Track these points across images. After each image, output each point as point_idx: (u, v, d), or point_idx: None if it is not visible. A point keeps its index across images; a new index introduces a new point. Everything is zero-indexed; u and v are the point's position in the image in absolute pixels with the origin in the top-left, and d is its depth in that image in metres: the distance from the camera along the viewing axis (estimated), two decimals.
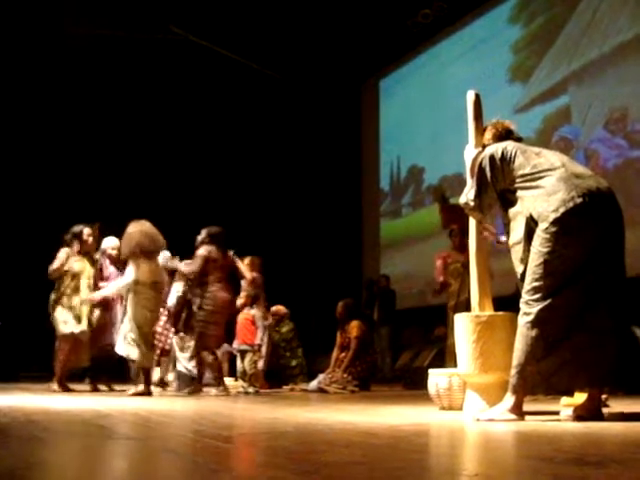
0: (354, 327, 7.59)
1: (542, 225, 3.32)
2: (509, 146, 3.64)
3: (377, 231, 12.95)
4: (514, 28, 10.53)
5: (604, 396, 4.12)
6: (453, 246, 7.05)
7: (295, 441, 2.62)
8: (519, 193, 3.51)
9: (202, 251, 6.67)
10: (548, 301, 3.24)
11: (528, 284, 3.34)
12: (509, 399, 3.31)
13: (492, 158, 3.61)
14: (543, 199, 3.36)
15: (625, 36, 8.74)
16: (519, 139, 3.89)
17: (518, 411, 3.28)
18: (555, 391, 3.53)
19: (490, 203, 3.73)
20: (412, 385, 7.51)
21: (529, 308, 3.29)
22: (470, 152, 3.96)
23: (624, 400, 4.53)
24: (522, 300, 3.36)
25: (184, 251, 7.09)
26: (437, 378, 4.17)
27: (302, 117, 12.84)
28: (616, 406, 3.90)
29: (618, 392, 4.47)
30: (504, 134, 3.88)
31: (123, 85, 11.56)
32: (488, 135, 3.94)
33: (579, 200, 3.27)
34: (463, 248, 6.11)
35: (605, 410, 3.48)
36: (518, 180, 3.52)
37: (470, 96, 4.14)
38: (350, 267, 12.46)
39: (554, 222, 3.27)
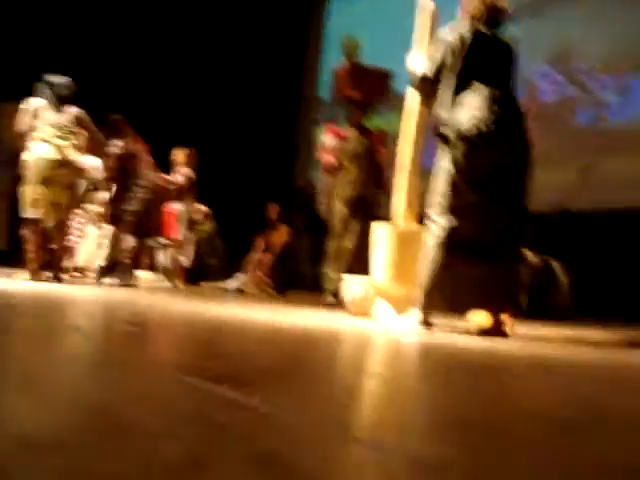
0: (283, 232, 7.62)
1: (451, 141, 3.30)
2: (466, 39, 3.39)
3: (311, 139, 12.85)
4: None
5: (510, 318, 4.28)
6: (351, 122, 5.56)
7: (203, 331, 2.64)
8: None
9: (115, 149, 6.40)
10: (452, 221, 3.27)
11: (434, 200, 3.35)
12: (415, 312, 3.36)
13: (452, 44, 3.39)
14: (459, 114, 3.31)
15: None
16: (496, 23, 3.52)
17: (426, 324, 3.36)
18: (455, 310, 3.55)
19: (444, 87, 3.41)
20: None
21: (434, 226, 3.32)
22: (416, 61, 3.60)
23: (529, 324, 4.72)
24: (428, 216, 3.37)
25: None
26: (352, 285, 4.23)
27: (247, 14, 12.39)
28: (521, 329, 4.06)
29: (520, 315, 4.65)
30: (480, 13, 3.49)
31: None
32: (472, 4, 3.52)
33: (492, 125, 3.23)
34: (364, 129, 5.49)
35: (510, 332, 3.60)
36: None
37: (424, 4, 3.94)
38: (281, 173, 12.37)
39: (462, 139, 3.25)
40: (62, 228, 5.71)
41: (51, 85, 5.55)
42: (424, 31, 3.90)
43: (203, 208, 8.50)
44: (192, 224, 8.02)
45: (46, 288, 4.69)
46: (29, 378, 1.26)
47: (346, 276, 4.41)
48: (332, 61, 12.62)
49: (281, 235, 7.60)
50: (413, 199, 3.89)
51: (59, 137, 5.44)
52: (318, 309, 4.89)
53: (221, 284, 7.91)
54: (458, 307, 3.43)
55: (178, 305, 4.24)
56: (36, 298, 3.76)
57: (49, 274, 5.59)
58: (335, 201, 5.45)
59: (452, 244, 3.27)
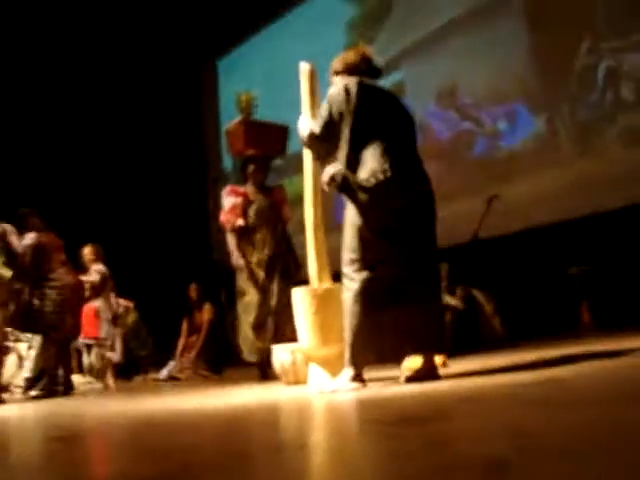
0: (207, 310, 7.53)
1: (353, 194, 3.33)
2: (351, 88, 3.40)
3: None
4: (349, 6, 10.71)
5: (441, 358, 4.33)
6: (253, 181, 5.35)
7: (138, 431, 2.55)
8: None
9: (28, 240, 5.95)
10: (366, 273, 3.28)
11: (346, 256, 3.35)
12: (347, 370, 3.32)
13: (337, 98, 3.39)
14: (358, 168, 3.34)
15: (452, 13, 9.09)
16: (376, 72, 3.60)
17: (358, 380, 3.31)
18: (386, 360, 3.48)
19: (336, 144, 3.40)
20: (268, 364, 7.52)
21: (350, 282, 3.31)
22: (304, 123, 3.62)
23: (462, 360, 4.76)
24: (343, 273, 3.37)
25: None
26: (281, 354, 4.19)
27: (141, 103, 12.41)
28: (454, 366, 4.09)
29: (453, 354, 4.71)
30: (357, 66, 3.54)
31: None
32: (338, 65, 3.60)
33: (388, 173, 3.27)
34: (264, 187, 5.28)
35: (443, 371, 3.62)
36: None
37: (303, 68, 3.99)
38: (197, 250, 12.28)
39: (366, 191, 3.27)
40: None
41: None
42: (307, 92, 3.95)
43: (123, 301, 8.31)
44: (115, 319, 7.82)
45: None
46: None
47: (275, 346, 4.36)
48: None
49: (205, 314, 7.50)
50: (324, 258, 3.91)
51: None
52: (254, 383, 4.82)
53: (154, 375, 7.71)
54: (388, 356, 3.42)
55: (108, 406, 4.10)
56: None
57: None
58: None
59: (369, 295, 3.27)
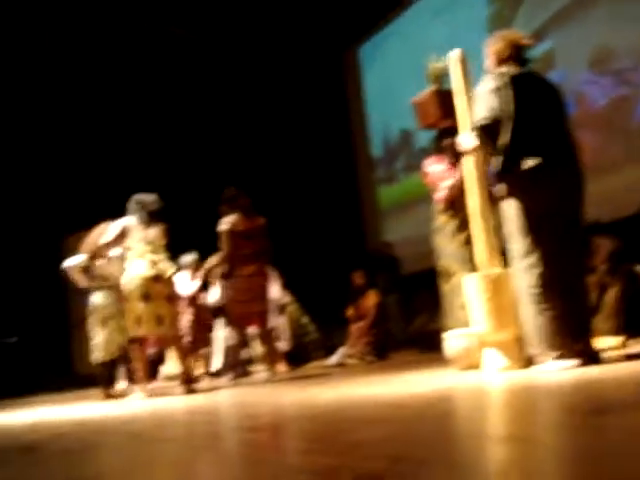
0: (372, 295, 7.68)
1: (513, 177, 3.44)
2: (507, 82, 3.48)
3: (374, 198, 12.95)
4: None
5: (621, 339, 4.22)
6: (452, 154, 4.76)
7: (323, 422, 2.64)
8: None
9: (223, 225, 6.02)
10: (538, 256, 3.39)
11: (515, 244, 3.48)
12: (552, 353, 3.38)
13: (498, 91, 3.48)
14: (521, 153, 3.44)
15: None
16: (526, 61, 3.66)
17: (577, 355, 3.34)
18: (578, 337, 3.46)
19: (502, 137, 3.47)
20: (430, 348, 7.55)
21: (525, 268, 3.44)
22: (465, 139, 3.80)
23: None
24: (515, 259, 3.50)
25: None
26: (454, 339, 4.20)
27: (288, 91, 12.71)
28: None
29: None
30: (508, 55, 3.62)
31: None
32: (490, 57, 3.70)
33: (547, 156, 3.38)
34: (456, 158, 4.61)
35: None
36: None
37: (454, 55, 4.06)
38: (351, 238, 12.44)
39: (529, 174, 3.38)
40: (178, 342, 5.82)
41: (141, 203, 5.69)
42: (459, 79, 3.99)
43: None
44: (281, 308, 8.13)
45: (156, 404, 4.80)
46: None
47: (447, 332, 4.38)
48: (376, 117, 12.83)
49: (370, 300, 7.63)
50: (493, 242, 3.89)
51: (151, 252, 5.56)
52: (423, 369, 4.86)
53: (323, 362, 7.93)
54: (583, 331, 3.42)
55: (287, 396, 4.27)
56: (154, 418, 3.86)
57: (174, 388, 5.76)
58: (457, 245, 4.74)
59: (547, 278, 3.35)
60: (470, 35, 9.93)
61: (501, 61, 3.62)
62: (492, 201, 3.83)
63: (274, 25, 11.81)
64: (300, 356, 8.28)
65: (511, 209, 3.47)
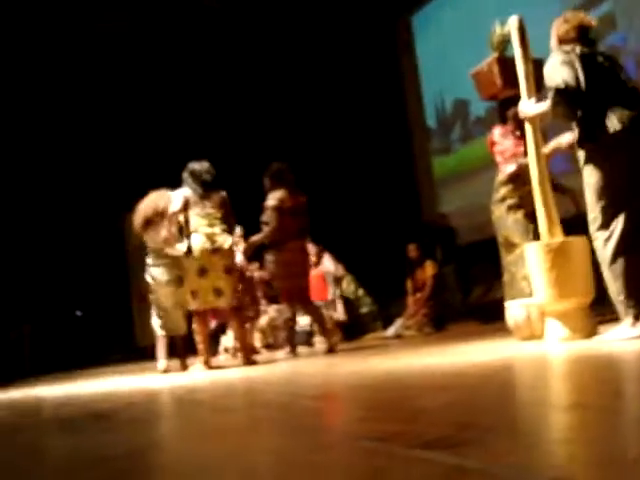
0: (429, 266, 7.67)
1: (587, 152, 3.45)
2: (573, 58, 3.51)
3: (430, 169, 12.83)
4: None
5: None
6: (516, 125, 4.67)
7: (384, 391, 2.67)
8: None
9: (271, 200, 5.94)
10: (617, 224, 3.38)
11: (591, 216, 3.48)
12: (628, 321, 3.37)
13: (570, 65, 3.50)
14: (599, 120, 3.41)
15: None
16: (591, 42, 3.68)
17: None
18: None
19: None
20: (488, 319, 7.50)
21: (599, 242, 3.43)
22: (527, 106, 3.85)
23: None
24: (593, 234, 3.48)
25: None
26: (515, 310, 4.17)
27: (341, 60, 12.63)
28: None
29: None
30: (573, 37, 3.65)
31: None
32: (555, 36, 3.72)
33: (619, 127, 3.34)
34: (522, 128, 4.35)
35: None
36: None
37: (513, 22, 4.02)
38: (407, 209, 12.38)
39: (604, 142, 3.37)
40: (238, 314, 5.82)
41: (194, 175, 5.61)
42: (519, 45, 3.97)
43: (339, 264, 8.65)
44: (337, 280, 8.19)
45: (217, 375, 4.90)
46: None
47: (508, 302, 4.35)
48: (430, 87, 12.67)
49: (427, 271, 7.62)
50: (554, 212, 3.84)
51: (208, 225, 5.52)
52: (482, 339, 4.84)
53: (381, 333, 7.96)
54: None
55: (346, 366, 4.31)
56: (216, 389, 3.95)
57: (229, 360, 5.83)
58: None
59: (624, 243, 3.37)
60: (526, 5, 9.73)
61: (567, 42, 3.63)
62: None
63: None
64: (356, 328, 8.33)
65: (591, 178, 3.44)
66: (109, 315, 11.84)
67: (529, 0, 9.72)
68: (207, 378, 4.82)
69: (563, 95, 3.47)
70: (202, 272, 5.47)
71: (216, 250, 5.49)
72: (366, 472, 1.29)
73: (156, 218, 5.85)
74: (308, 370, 4.47)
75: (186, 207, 5.56)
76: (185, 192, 5.61)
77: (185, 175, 5.66)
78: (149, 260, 6.02)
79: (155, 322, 6.01)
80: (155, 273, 5.98)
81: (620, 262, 3.36)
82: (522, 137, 4.46)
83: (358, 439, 1.66)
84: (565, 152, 4.14)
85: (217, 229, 5.55)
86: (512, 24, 4.02)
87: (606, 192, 3.39)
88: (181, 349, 6.04)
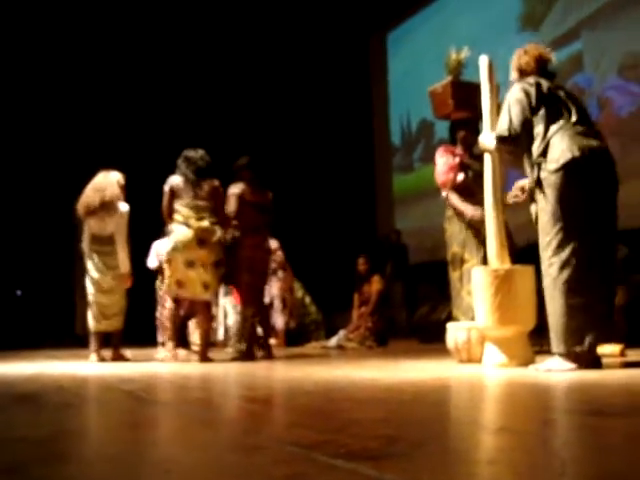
0: (375, 281, 7.68)
1: (546, 177, 3.44)
2: (531, 91, 3.59)
3: (390, 185, 12.93)
4: None
5: (619, 348, 4.22)
6: (464, 146, 4.86)
7: (318, 400, 2.65)
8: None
9: (233, 189, 5.72)
10: (565, 256, 3.37)
11: (543, 242, 3.46)
12: (561, 351, 3.37)
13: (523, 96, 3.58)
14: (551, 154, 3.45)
15: None
16: (551, 75, 3.77)
17: (579, 359, 3.34)
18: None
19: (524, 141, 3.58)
20: (429, 339, 7.55)
21: (551, 267, 3.40)
22: (487, 139, 3.89)
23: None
24: (543, 260, 3.46)
25: None
26: (456, 332, 4.20)
27: (311, 72, 12.67)
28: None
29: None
30: (532, 68, 3.73)
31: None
32: (515, 68, 3.80)
33: (577, 154, 3.37)
34: (475, 156, 4.67)
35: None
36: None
37: (483, 61, 4.07)
38: (363, 223, 12.45)
39: (561, 171, 3.38)
40: (209, 309, 5.71)
41: (188, 160, 5.50)
42: (486, 84, 4.05)
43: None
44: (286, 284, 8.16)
45: (161, 368, 4.82)
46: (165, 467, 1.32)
47: (449, 324, 4.38)
48: (398, 105, 12.77)
49: (374, 286, 7.64)
50: (504, 238, 3.89)
51: (196, 215, 5.39)
52: (422, 358, 4.86)
53: (323, 342, 7.95)
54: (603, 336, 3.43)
55: (283, 372, 4.29)
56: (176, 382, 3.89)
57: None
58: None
59: (569, 278, 3.36)
60: (498, 32, 9.89)
61: (527, 74, 3.71)
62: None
63: (303, 7, 11.77)
64: (300, 335, 8.32)
65: (547, 202, 3.44)
66: (50, 298, 11.58)
67: (505, 29, 9.91)
68: (145, 369, 4.74)
69: (506, 142, 3.62)
70: (190, 264, 5.35)
71: (203, 242, 5.36)
72: (283, 477, 1.27)
73: (101, 210, 5.77)
74: (251, 373, 4.42)
75: (173, 196, 5.45)
76: (173, 180, 5.49)
77: (179, 161, 5.55)
78: (86, 246, 5.87)
79: (90, 319, 5.90)
80: (95, 260, 5.84)
81: (570, 297, 3.34)
82: (466, 158, 4.76)
83: (283, 444, 1.64)
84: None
85: (206, 222, 5.41)
86: (482, 62, 4.08)
87: (562, 216, 3.38)
88: (117, 340, 5.96)
